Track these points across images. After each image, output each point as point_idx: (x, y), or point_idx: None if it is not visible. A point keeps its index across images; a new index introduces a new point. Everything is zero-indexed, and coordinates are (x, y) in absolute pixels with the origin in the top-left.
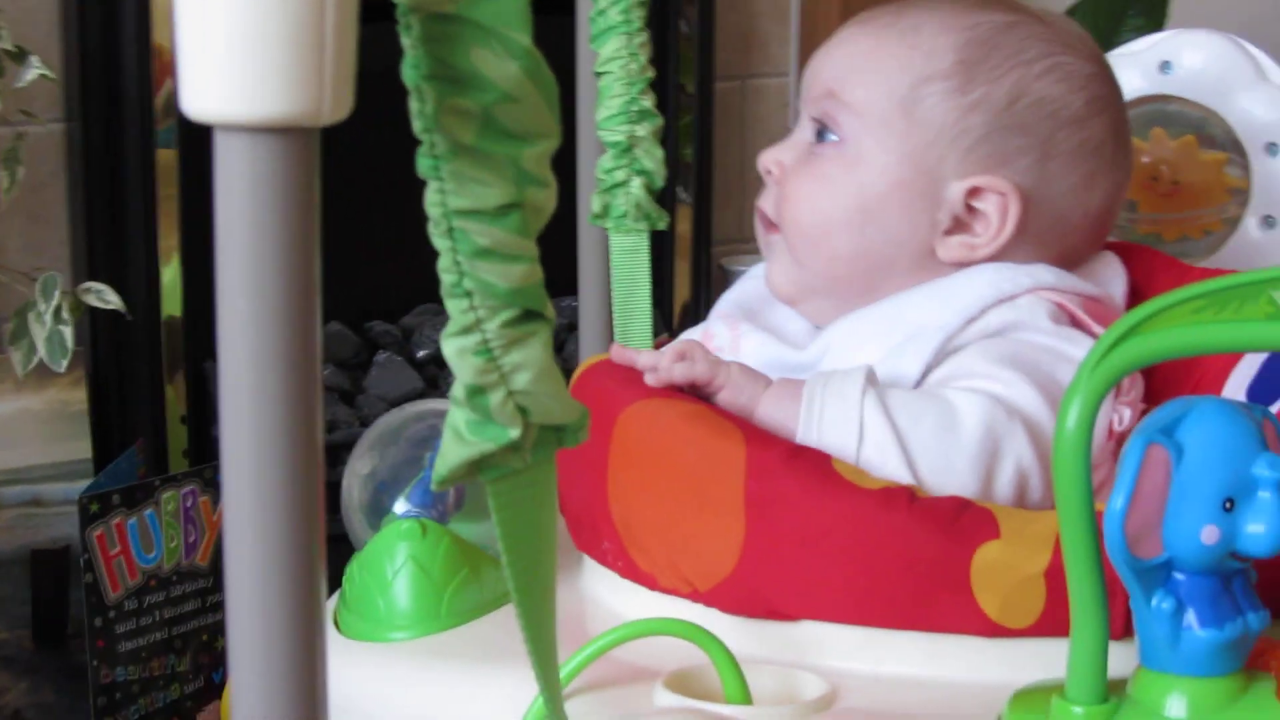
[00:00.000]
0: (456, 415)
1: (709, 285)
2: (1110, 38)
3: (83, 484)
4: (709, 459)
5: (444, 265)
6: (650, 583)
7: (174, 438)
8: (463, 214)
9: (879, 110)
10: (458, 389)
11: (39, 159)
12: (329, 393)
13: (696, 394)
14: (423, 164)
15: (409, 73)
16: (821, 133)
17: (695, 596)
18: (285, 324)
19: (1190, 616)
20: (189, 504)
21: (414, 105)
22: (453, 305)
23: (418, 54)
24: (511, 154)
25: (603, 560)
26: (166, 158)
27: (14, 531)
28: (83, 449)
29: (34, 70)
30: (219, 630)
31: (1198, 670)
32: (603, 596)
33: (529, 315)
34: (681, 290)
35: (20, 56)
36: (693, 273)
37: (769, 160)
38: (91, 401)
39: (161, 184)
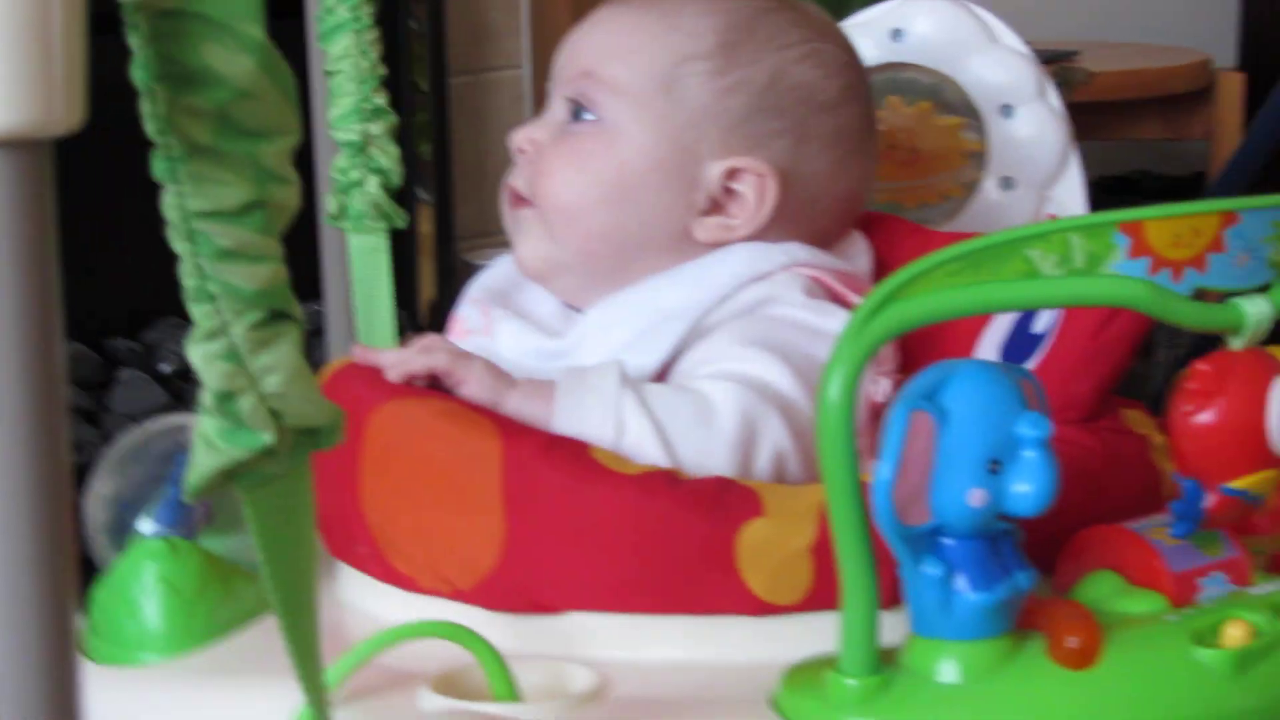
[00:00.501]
0: (207, 424)
1: (454, 282)
2: (842, 10)
3: None
4: (464, 455)
5: (186, 270)
6: (410, 585)
7: None
8: (203, 216)
9: (638, 89)
10: (206, 396)
11: None
12: (70, 414)
13: (441, 389)
14: (158, 167)
15: (139, 74)
16: (578, 112)
17: (457, 596)
18: (25, 343)
19: (960, 581)
20: None
21: (146, 107)
22: (197, 310)
23: (147, 54)
24: (250, 152)
25: (359, 565)
26: None
27: None
28: None
29: None
30: None
31: (969, 634)
32: (362, 602)
33: (277, 316)
34: (427, 289)
35: None
36: (438, 270)
37: (522, 139)
38: None
39: None
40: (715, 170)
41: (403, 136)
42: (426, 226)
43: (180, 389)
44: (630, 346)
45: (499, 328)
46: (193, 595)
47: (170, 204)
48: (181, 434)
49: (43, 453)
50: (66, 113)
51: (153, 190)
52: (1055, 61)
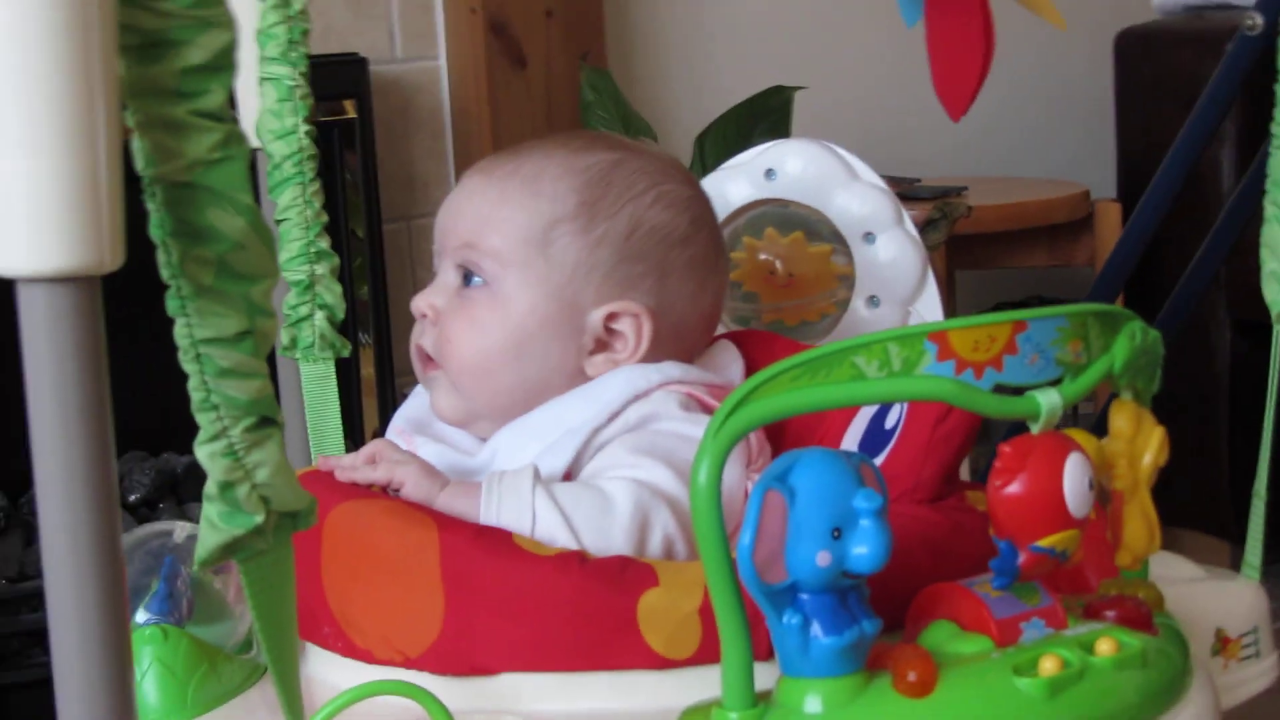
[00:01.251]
0: (210, 509)
1: (394, 412)
2: (740, 151)
3: None
4: (407, 544)
5: (193, 385)
6: (368, 657)
7: None
8: (207, 342)
9: (517, 255)
10: (210, 486)
11: None
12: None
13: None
14: (171, 304)
15: (155, 230)
16: (468, 277)
17: (408, 664)
18: (86, 438)
19: (815, 628)
20: None
21: (161, 257)
22: (203, 418)
23: (162, 215)
24: (243, 291)
25: (324, 644)
26: None
27: None
28: None
29: None
30: None
31: (827, 672)
32: (329, 676)
33: (265, 421)
34: (371, 420)
35: None
36: (380, 405)
37: (423, 304)
38: None
39: None
40: (596, 316)
41: (342, 279)
42: (368, 370)
43: (146, 516)
44: (538, 458)
45: (422, 451)
46: (184, 674)
47: (181, 333)
48: (165, 538)
49: (100, 547)
50: (113, 256)
51: (125, 340)
52: (939, 198)
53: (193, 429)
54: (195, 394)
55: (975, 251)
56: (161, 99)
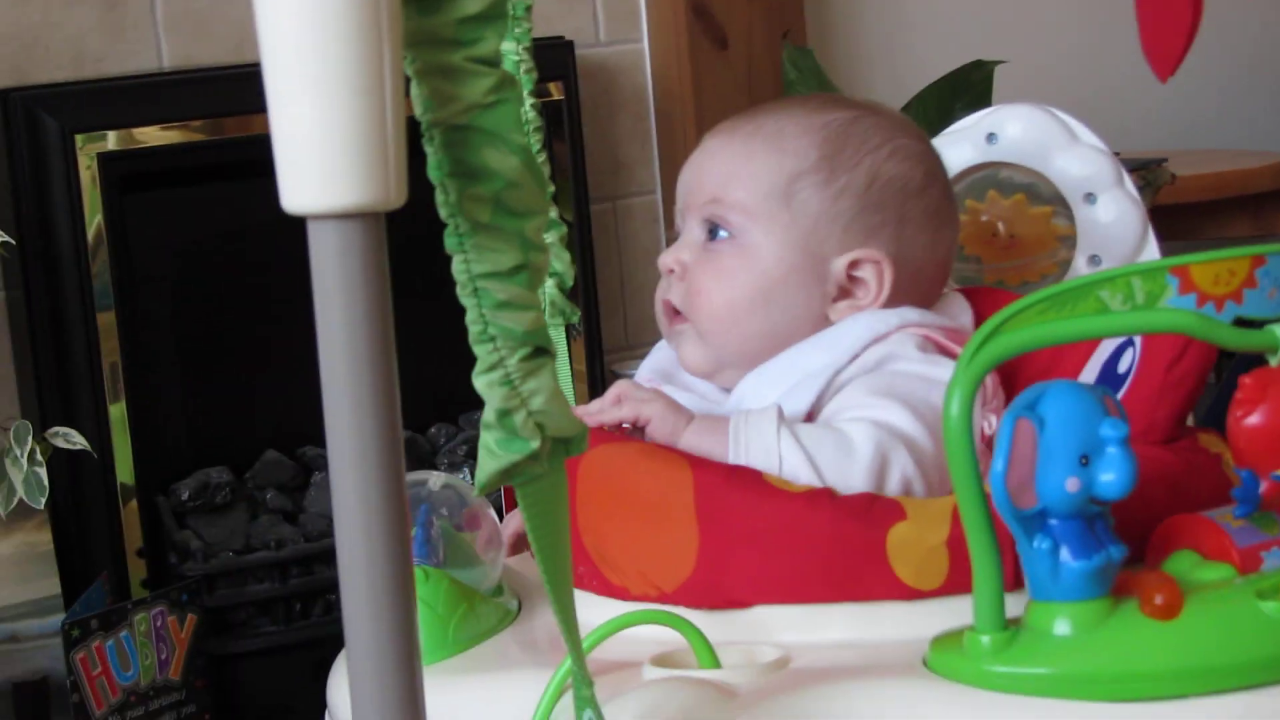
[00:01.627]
0: (487, 436)
1: (604, 388)
2: (941, 125)
3: (55, 618)
4: (662, 483)
5: (471, 318)
6: (623, 594)
7: (133, 569)
8: (484, 276)
9: (763, 207)
10: (488, 414)
11: None
12: (272, 515)
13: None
14: (449, 241)
15: (434, 172)
16: (713, 231)
17: (663, 599)
18: (371, 364)
19: (1064, 552)
20: (159, 624)
21: (439, 196)
22: (480, 349)
23: (440, 157)
24: (518, 227)
25: (580, 584)
26: (106, 318)
27: None
28: (52, 586)
29: None
30: None
31: (1075, 595)
32: (583, 614)
33: (539, 351)
34: (581, 396)
35: None
36: (589, 379)
37: (670, 260)
38: (56, 541)
39: (103, 340)
40: (840, 264)
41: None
42: (578, 345)
43: None
44: (781, 401)
45: None
46: (445, 613)
47: (459, 269)
48: (420, 487)
49: (387, 478)
50: (398, 194)
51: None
52: (1140, 169)
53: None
54: (473, 326)
55: (1177, 222)
56: (439, 47)
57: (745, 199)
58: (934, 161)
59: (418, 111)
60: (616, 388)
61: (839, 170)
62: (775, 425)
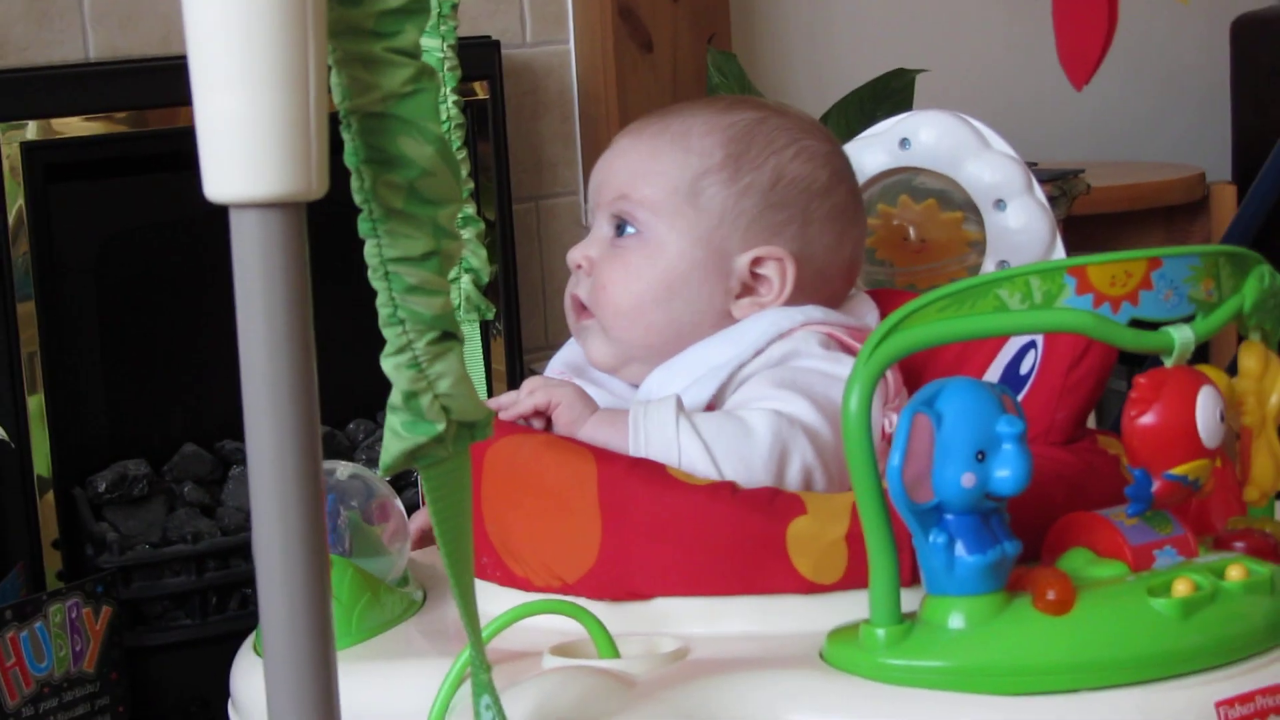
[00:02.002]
0: (394, 418)
1: None
2: (861, 131)
3: None
4: (566, 475)
5: (381, 301)
6: (526, 585)
7: (49, 560)
8: (395, 261)
9: (668, 204)
10: (395, 396)
11: None
12: (190, 508)
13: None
14: (363, 226)
15: (350, 158)
16: (621, 227)
17: (565, 589)
18: (290, 352)
19: (960, 547)
20: (74, 615)
21: (354, 182)
22: (389, 332)
23: (357, 144)
24: (430, 214)
25: (483, 574)
26: (25, 308)
27: None
28: None
29: None
30: None
31: (970, 589)
32: (486, 605)
33: (446, 335)
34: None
35: None
36: (508, 377)
37: (578, 255)
38: None
39: (22, 329)
40: (743, 261)
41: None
42: (498, 344)
43: None
44: (684, 392)
45: None
46: (349, 601)
47: (371, 253)
48: (328, 476)
49: (303, 461)
50: (319, 184)
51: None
52: (1057, 180)
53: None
54: (383, 309)
55: (1092, 233)
56: (360, 37)
57: (651, 196)
58: (840, 162)
59: (336, 99)
60: (529, 382)
61: (744, 169)
62: (674, 416)
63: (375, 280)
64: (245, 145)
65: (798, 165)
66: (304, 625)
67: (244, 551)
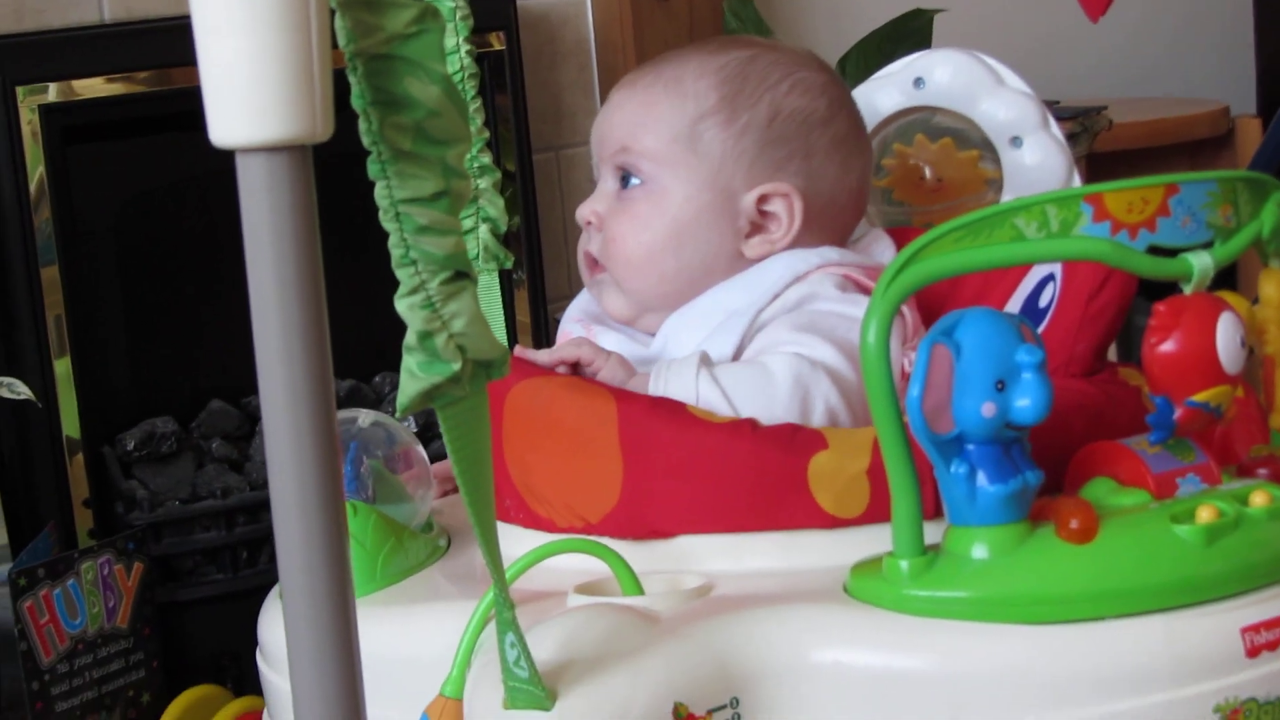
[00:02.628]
0: (409, 359)
1: (548, 337)
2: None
3: (2, 568)
4: (587, 415)
5: (393, 242)
6: (549, 526)
7: (80, 519)
8: (406, 202)
9: (669, 151)
10: (410, 337)
11: None
12: (218, 464)
13: (576, 373)
14: (372, 169)
15: (357, 101)
16: (625, 179)
17: (588, 529)
18: (301, 294)
19: (981, 477)
20: (106, 572)
21: (362, 125)
22: (402, 273)
23: (363, 86)
24: (439, 154)
25: (505, 517)
26: (49, 272)
27: None
28: None
29: None
30: (143, 686)
31: (992, 519)
32: (509, 547)
33: (460, 275)
34: (526, 345)
35: None
36: (533, 328)
37: (586, 212)
38: (2, 492)
39: (47, 293)
40: (749, 200)
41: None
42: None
43: None
44: (704, 343)
45: (601, 341)
46: (373, 547)
47: (381, 194)
48: (350, 425)
49: (316, 404)
50: (325, 126)
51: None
52: (1079, 117)
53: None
54: (395, 250)
55: (1115, 169)
56: None
57: (652, 145)
58: (838, 91)
59: (341, 42)
60: (580, 338)
61: (740, 108)
62: (695, 368)
63: (386, 222)
64: (249, 89)
65: (794, 98)
66: (321, 571)
67: None
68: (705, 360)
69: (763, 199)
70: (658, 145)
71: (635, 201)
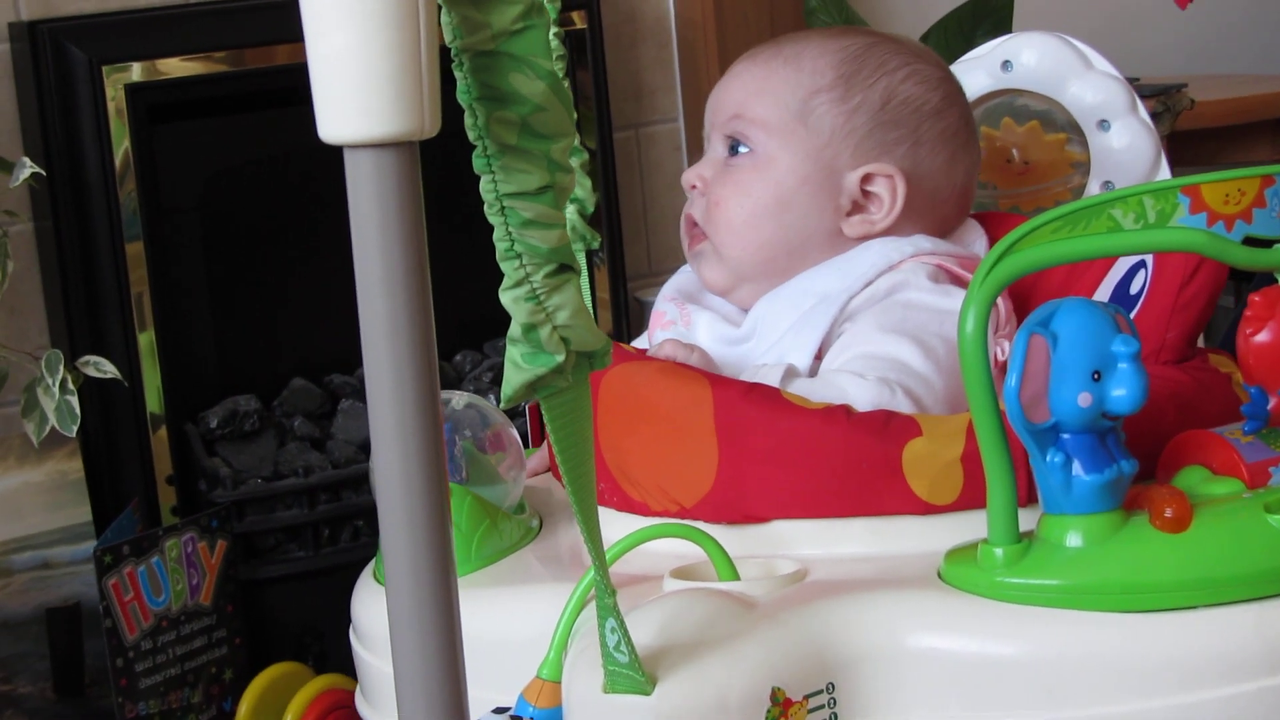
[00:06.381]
0: (513, 350)
1: (627, 316)
2: (961, 52)
3: (86, 545)
4: (682, 399)
5: (498, 236)
6: (643, 510)
7: (163, 496)
8: (511, 196)
9: (780, 122)
10: (514, 329)
11: (13, 255)
12: (300, 442)
13: None
14: (478, 163)
15: (463, 96)
16: (734, 147)
17: (683, 514)
18: (407, 289)
19: (1077, 466)
20: (189, 550)
21: (468, 119)
22: (506, 265)
23: (469, 82)
24: (544, 149)
25: (600, 500)
26: (134, 249)
27: (28, 594)
28: (83, 514)
29: (28, 169)
30: (226, 663)
31: (1087, 508)
32: (605, 530)
33: (564, 268)
34: (605, 324)
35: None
36: (612, 306)
37: (693, 177)
38: (87, 469)
39: (131, 270)
40: (853, 178)
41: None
42: (601, 272)
43: None
44: (794, 328)
45: (694, 319)
46: (468, 529)
47: (486, 188)
48: (444, 406)
49: (422, 392)
50: (432, 123)
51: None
52: (1160, 95)
53: None
54: (500, 244)
55: (1197, 148)
56: None
57: (764, 115)
58: (953, 87)
59: (447, 38)
60: (667, 342)
61: (855, 88)
62: (778, 382)
63: (491, 215)
64: (358, 87)
65: (909, 86)
66: (425, 552)
67: (354, 484)
68: (791, 373)
69: (867, 178)
70: (769, 115)
71: (741, 169)
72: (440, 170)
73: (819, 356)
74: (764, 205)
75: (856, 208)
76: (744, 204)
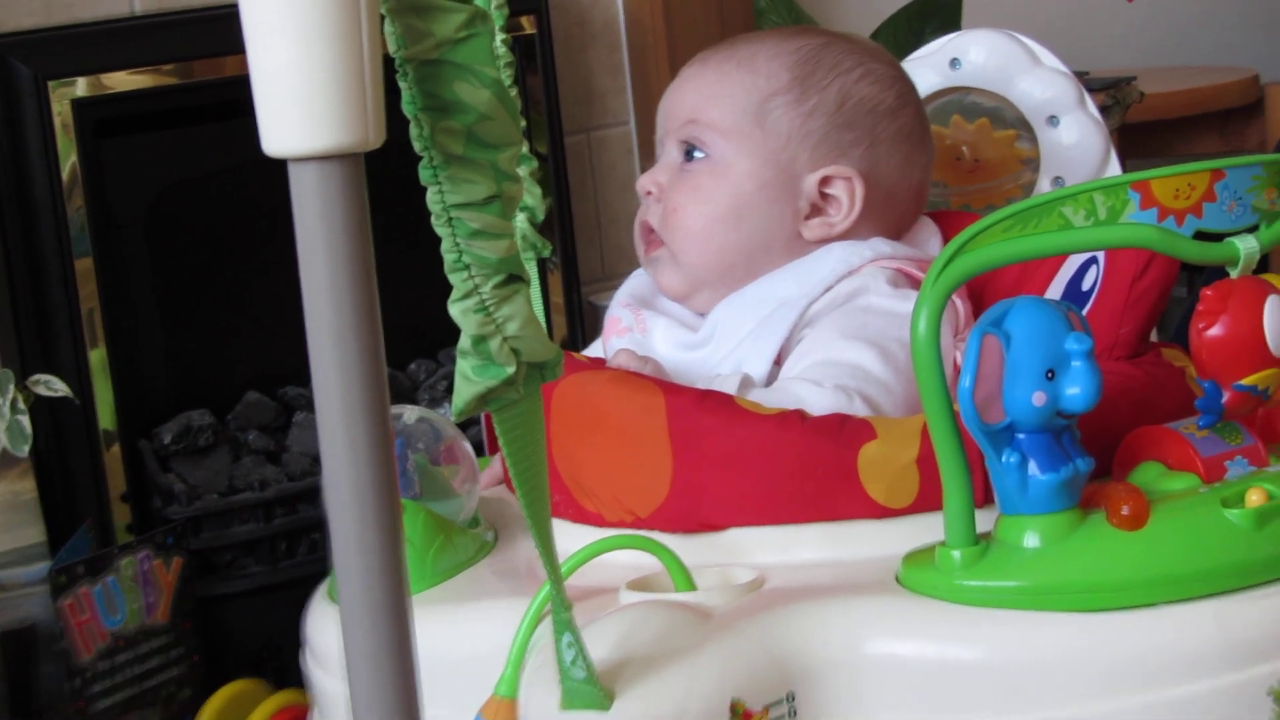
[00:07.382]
0: (464, 363)
1: (582, 320)
2: (911, 50)
3: (41, 566)
4: (634, 408)
5: (446, 247)
6: (598, 520)
7: (117, 514)
8: (458, 207)
9: (736, 126)
10: (464, 341)
11: None
12: (255, 456)
13: None
14: (424, 174)
15: (408, 106)
16: (690, 152)
17: (638, 524)
18: (354, 302)
19: (1032, 465)
20: (145, 568)
21: (413, 130)
22: (455, 277)
23: (414, 92)
24: (491, 159)
25: (555, 512)
26: (83, 264)
27: None
28: (37, 534)
29: None
30: (183, 681)
31: (1044, 508)
32: (560, 542)
33: (512, 279)
34: (559, 329)
35: None
36: (566, 311)
37: (648, 182)
38: (40, 489)
39: (81, 286)
40: (811, 180)
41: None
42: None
43: None
44: (753, 334)
45: (650, 325)
46: (422, 545)
47: (433, 199)
48: (395, 421)
49: (370, 408)
50: (377, 134)
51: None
52: (1110, 88)
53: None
54: (448, 255)
55: (1147, 139)
56: None
57: (719, 119)
58: (906, 87)
59: (391, 48)
60: (620, 353)
61: (810, 90)
62: (735, 391)
63: (439, 227)
64: (301, 99)
65: (864, 86)
66: (378, 570)
67: (311, 497)
68: (747, 383)
69: (825, 181)
70: (725, 119)
71: (698, 174)
72: (386, 175)
73: (778, 362)
74: (722, 211)
75: (815, 211)
76: (702, 210)
